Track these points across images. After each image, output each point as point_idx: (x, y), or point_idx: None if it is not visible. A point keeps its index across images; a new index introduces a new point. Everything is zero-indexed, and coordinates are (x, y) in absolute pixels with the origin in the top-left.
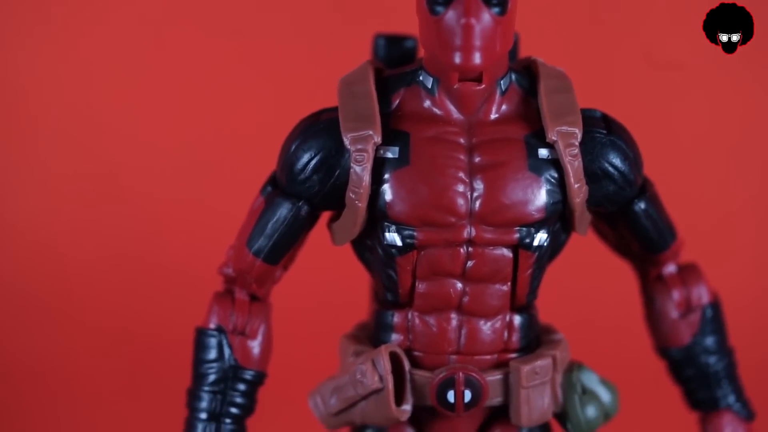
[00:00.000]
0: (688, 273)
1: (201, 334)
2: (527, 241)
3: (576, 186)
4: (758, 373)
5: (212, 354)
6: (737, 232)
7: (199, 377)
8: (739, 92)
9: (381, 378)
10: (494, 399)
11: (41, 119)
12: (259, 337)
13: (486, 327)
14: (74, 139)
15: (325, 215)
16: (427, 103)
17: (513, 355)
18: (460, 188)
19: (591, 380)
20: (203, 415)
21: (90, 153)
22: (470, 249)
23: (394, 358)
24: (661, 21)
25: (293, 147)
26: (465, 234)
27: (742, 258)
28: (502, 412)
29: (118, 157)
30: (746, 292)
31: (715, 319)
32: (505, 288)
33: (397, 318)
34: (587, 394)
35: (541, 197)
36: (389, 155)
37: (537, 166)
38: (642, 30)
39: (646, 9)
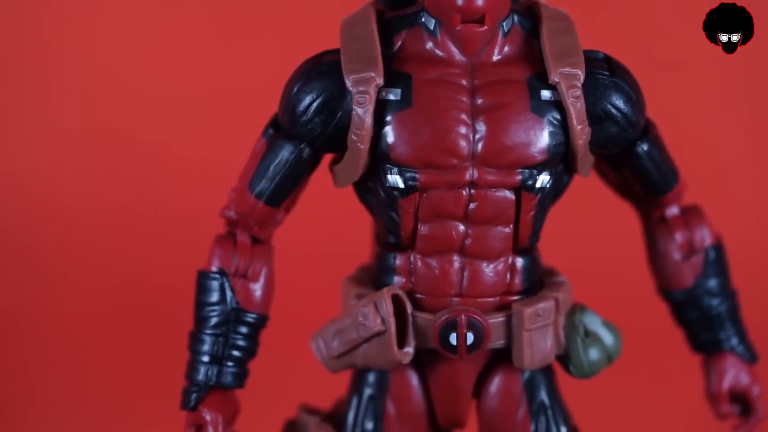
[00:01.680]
0: (691, 215)
1: (203, 277)
2: (529, 183)
3: (578, 128)
4: (761, 316)
5: (214, 297)
6: (739, 174)
7: (201, 320)
8: (739, 92)
9: (383, 320)
10: (497, 341)
11: (47, 69)
12: (261, 280)
13: (488, 269)
14: (80, 89)
15: (327, 158)
16: (429, 45)
17: (515, 298)
18: (463, 130)
19: (594, 323)
20: (205, 358)
21: (95, 103)
22: (472, 191)
23: (397, 301)
24: (661, 21)
25: (295, 89)
26: (467, 176)
27: (744, 200)
28: (504, 355)
29: (122, 105)
30: (749, 234)
31: (717, 261)
32: (508, 230)
33: (399, 260)
34: (590, 336)
35: (543, 139)
36: (391, 97)
37: (539, 108)
38: (642, 30)
39: (646, 9)
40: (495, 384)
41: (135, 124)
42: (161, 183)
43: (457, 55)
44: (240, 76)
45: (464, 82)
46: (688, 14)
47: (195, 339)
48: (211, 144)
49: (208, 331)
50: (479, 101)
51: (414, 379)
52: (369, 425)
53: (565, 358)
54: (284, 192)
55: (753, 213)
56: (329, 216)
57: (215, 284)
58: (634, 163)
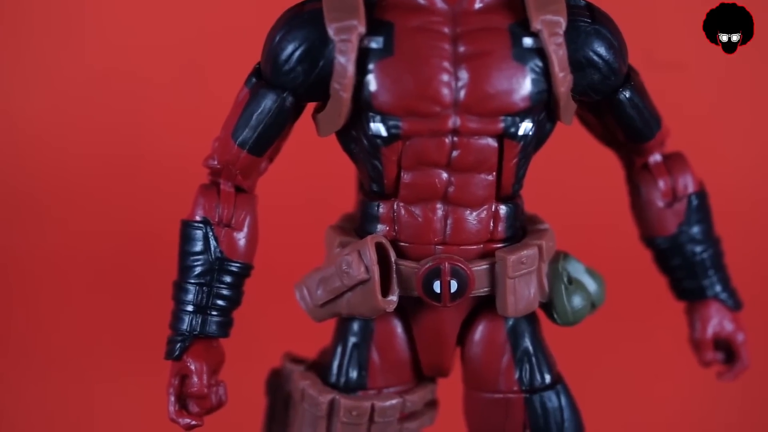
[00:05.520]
0: (674, 162)
1: (186, 227)
2: (512, 130)
3: (560, 75)
4: (745, 264)
5: (198, 246)
6: (739, 174)
7: (185, 270)
8: (739, 93)
9: (367, 269)
10: (480, 289)
11: (45, 15)
12: (245, 229)
13: (471, 217)
14: (74, 34)
15: (310, 106)
16: None
17: (499, 245)
18: (445, 78)
19: (577, 270)
20: (190, 308)
21: (89, 48)
22: (455, 139)
23: (380, 249)
24: (661, 21)
25: (277, 38)
26: (450, 124)
27: (744, 201)
28: (488, 303)
29: (112, 52)
30: (732, 181)
31: (700, 208)
32: (491, 178)
33: (382, 209)
34: (573, 283)
35: (525, 86)
36: (373, 45)
37: (521, 55)
38: (642, 30)
39: (646, 9)
40: (479, 332)
41: (125, 75)
42: (150, 131)
43: (439, 3)
44: (228, 26)
45: (446, 30)
46: (688, 14)
47: (179, 288)
48: (200, 93)
49: (192, 281)
50: (461, 49)
51: (398, 328)
52: (353, 373)
53: (548, 306)
54: (267, 141)
55: (754, 215)
56: (312, 165)
57: (199, 233)
58: (616, 110)
